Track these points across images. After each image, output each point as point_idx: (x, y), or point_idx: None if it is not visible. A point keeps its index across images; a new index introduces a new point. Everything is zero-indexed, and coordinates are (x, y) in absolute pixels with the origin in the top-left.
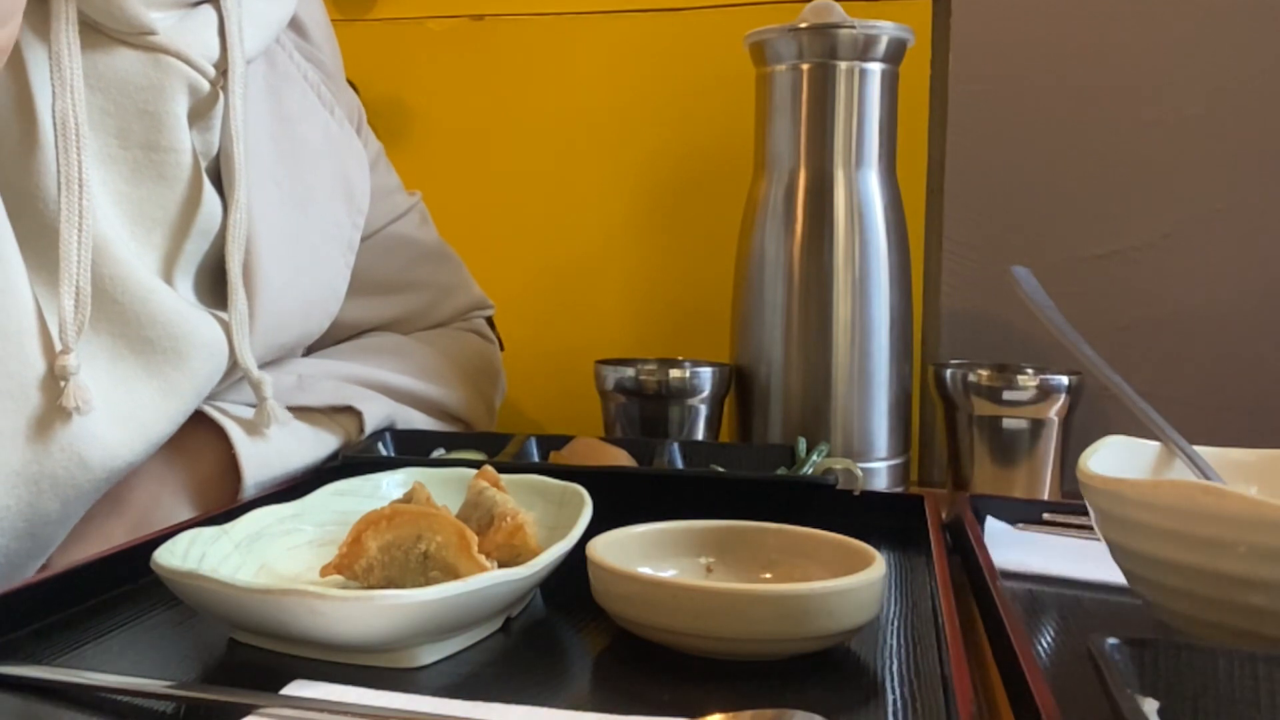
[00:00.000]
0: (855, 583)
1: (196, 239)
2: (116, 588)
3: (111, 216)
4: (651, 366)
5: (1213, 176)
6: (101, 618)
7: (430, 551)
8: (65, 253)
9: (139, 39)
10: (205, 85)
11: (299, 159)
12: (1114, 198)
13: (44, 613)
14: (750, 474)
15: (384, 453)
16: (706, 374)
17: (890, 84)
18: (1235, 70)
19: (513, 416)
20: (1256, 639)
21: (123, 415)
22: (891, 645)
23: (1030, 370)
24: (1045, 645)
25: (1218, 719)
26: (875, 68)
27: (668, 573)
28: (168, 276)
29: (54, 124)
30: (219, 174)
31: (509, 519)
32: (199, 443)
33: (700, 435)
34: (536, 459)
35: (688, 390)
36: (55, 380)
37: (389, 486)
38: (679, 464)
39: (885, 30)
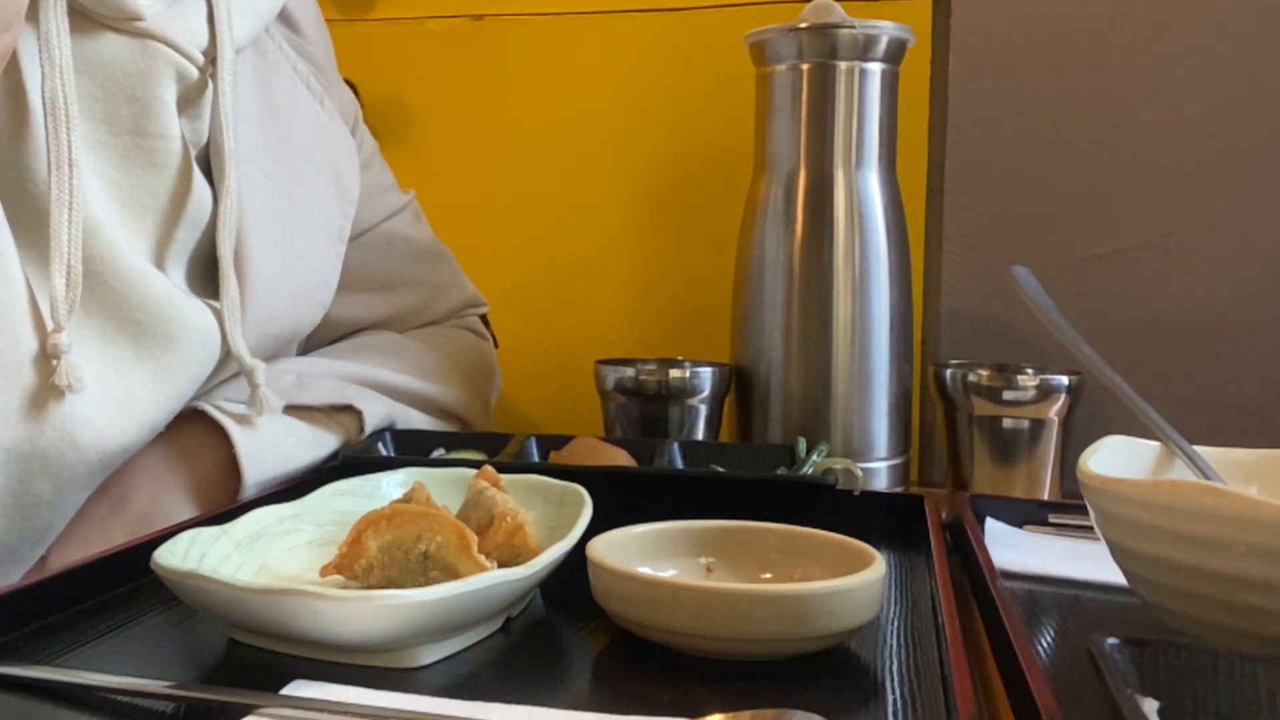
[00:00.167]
0: (855, 583)
1: (187, 227)
2: (116, 588)
3: (102, 201)
4: (651, 366)
5: (1213, 176)
6: (101, 618)
7: (430, 551)
8: (56, 232)
9: (127, 24)
10: (194, 72)
11: (288, 149)
12: (1114, 198)
13: (44, 613)
14: (750, 474)
15: (384, 453)
16: (706, 374)
17: (890, 84)
18: (1235, 70)
19: (513, 416)
20: (1256, 639)
21: (115, 397)
22: (891, 645)
23: (1030, 370)
24: (1045, 645)
25: (1217, 719)
26: (875, 68)
27: (668, 573)
28: (159, 264)
29: (43, 105)
30: (209, 164)
31: (509, 519)
32: (200, 442)
33: (700, 435)
34: (536, 459)
35: (688, 390)
36: (47, 359)
37: (389, 486)
38: (679, 464)
39: (885, 30)
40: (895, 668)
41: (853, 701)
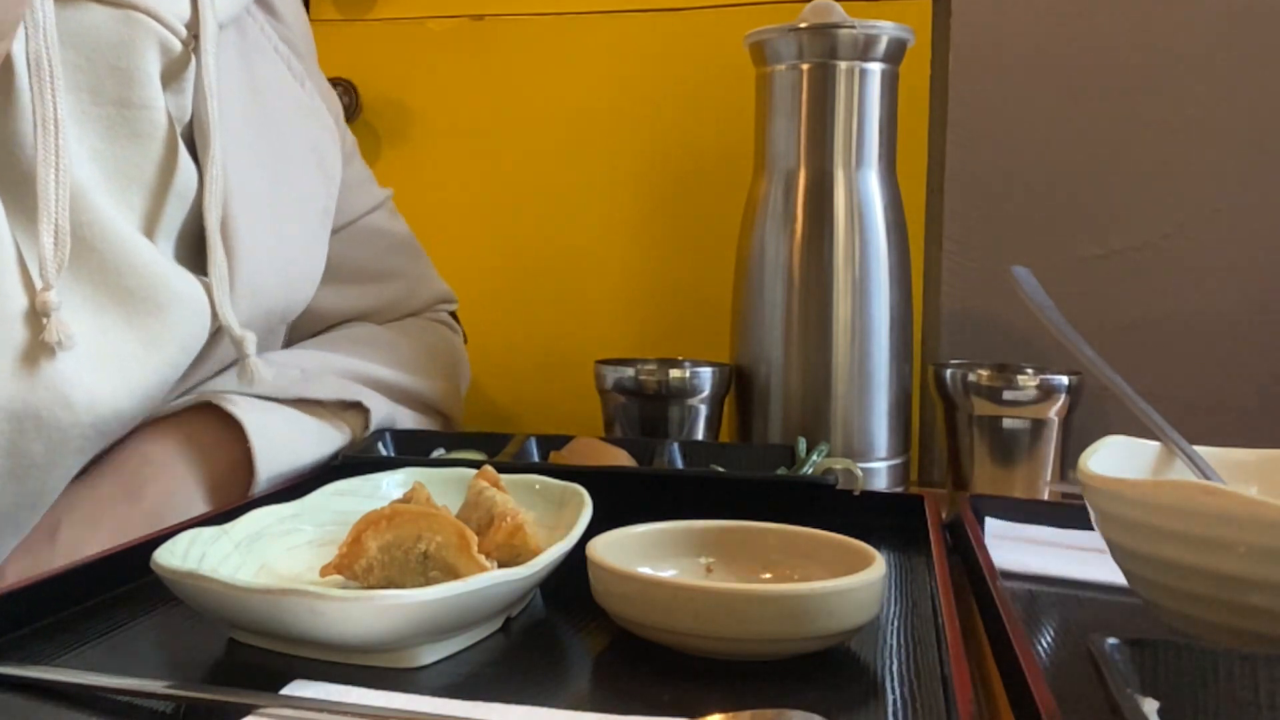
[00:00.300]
0: (855, 583)
1: (174, 202)
2: (116, 588)
3: (89, 169)
4: (651, 366)
5: (1213, 176)
6: (101, 618)
7: (430, 551)
8: (43, 192)
9: None
10: (177, 45)
11: (272, 126)
12: (1114, 198)
13: (44, 613)
14: (750, 474)
15: (384, 453)
16: (706, 374)
17: (890, 84)
18: (1235, 70)
19: (513, 416)
20: (1256, 639)
21: (105, 360)
22: (891, 645)
23: (1030, 370)
24: (1045, 645)
25: (1217, 719)
26: (875, 68)
27: (668, 573)
28: (149, 237)
29: (27, 66)
30: (194, 142)
31: (509, 519)
32: (214, 436)
33: (700, 435)
34: (536, 459)
35: (688, 390)
36: (37, 316)
37: (389, 486)
38: (679, 464)
39: (885, 30)
40: (895, 668)
41: (853, 701)
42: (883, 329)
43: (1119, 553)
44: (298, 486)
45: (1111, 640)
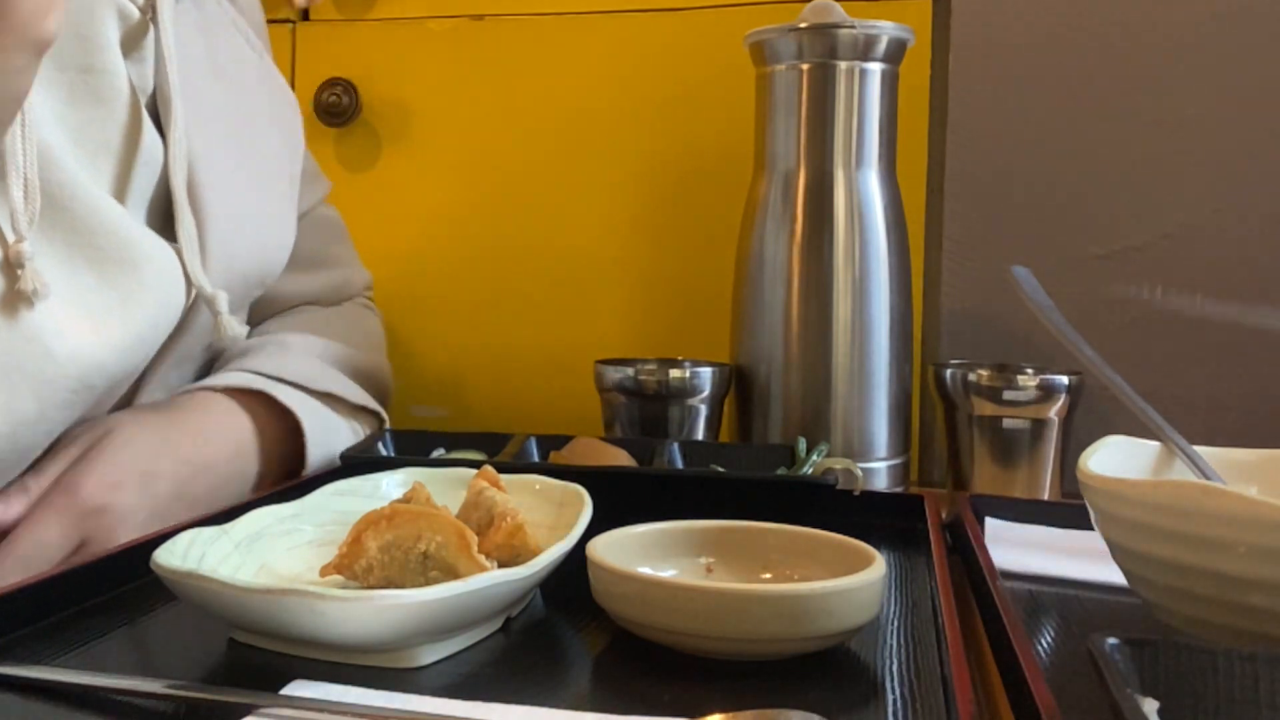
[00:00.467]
0: (855, 583)
1: (142, 169)
2: (116, 588)
3: (56, 133)
4: (651, 366)
5: (1213, 176)
6: (101, 618)
7: (430, 551)
8: (10, 149)
9: None
10: (134, 12)
11: (236, 96)
12: (1114, 198)
13: (44, 613)
14: (750, 474)
15: (384, 453)
16: (706, 374)
17: (890, 84)
18: (1235, 70)
19: (513, 416)
20: (1256, 639)
21: (83, 314)
22: (891, 645)
23: (1030, 370)
24: (1045, 645)
25: (1217, 719)
26: (875, 68)
27: (668, 573)
28: (119, 202)
29: None
30: (158, 113)
31: (509, 519)
32: (275, 429)
33: (700, 435)
34: (536, 459)
35: (688, 390)
36: (12, 268)
37: (389, 486)
38: (679, 464)
39: (885, 30)
40: (895, 668)
41: (853, 701)
42: (883, 329)
43: (1119, 553)
44: (298, 486)
45: (1111, 640)
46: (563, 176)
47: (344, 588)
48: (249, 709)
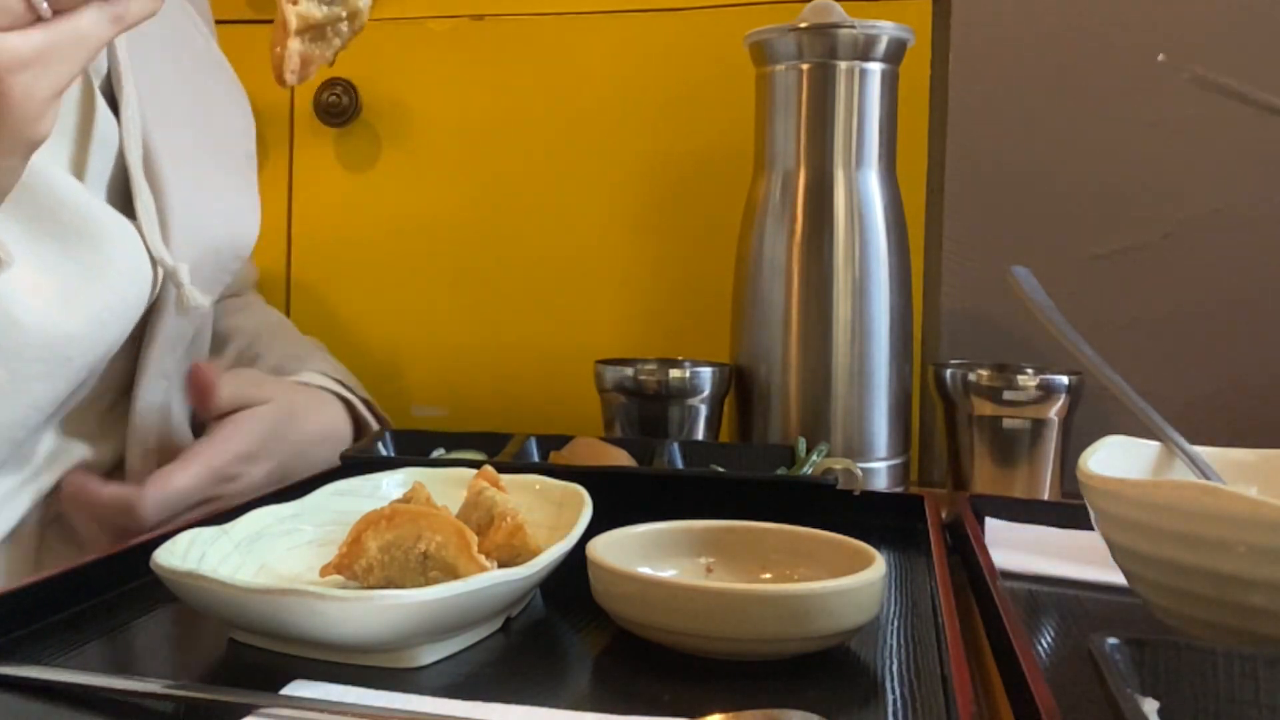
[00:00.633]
0: (855, 583)
1: (98, 148)
2: (116, 588)
3: None
4: (651, 366)
5: (1213, 176)
6: (101, 618)
7: (430, 551)
8: None
9: None
10: None
11: (189, 72)
12: (1114, 198)
13: (44, 613)
14: (750, 474)
15: (384, 453)
16: (706, 374)
17: (890, 84)
18: (1235, 70)
19: (513, 416)
20: (1256, 639)
21: (49, 286)
22: (891, 645)
23: (1030, 370)
24: (1045, 645)
25: (1217, 719)
26: (875, 68)
27: (668, 573)
28: (80, 179)
29: None
30: (113, 95)
31: (509, 519)
32: (348, 428)
33: (700, 435)
34: (536, 459)
35: (688, 390)
36: None
37: (389, 486)
38: (679, 464)
39: (885, 30)
40: (895, 668)
41: (853, 701)
42: (883, 329)
43: (1119, 553)
44: (298, 486)
45: (1111, 640)
46: (563, 176)
47: (344, 588)
48: (249, 709)
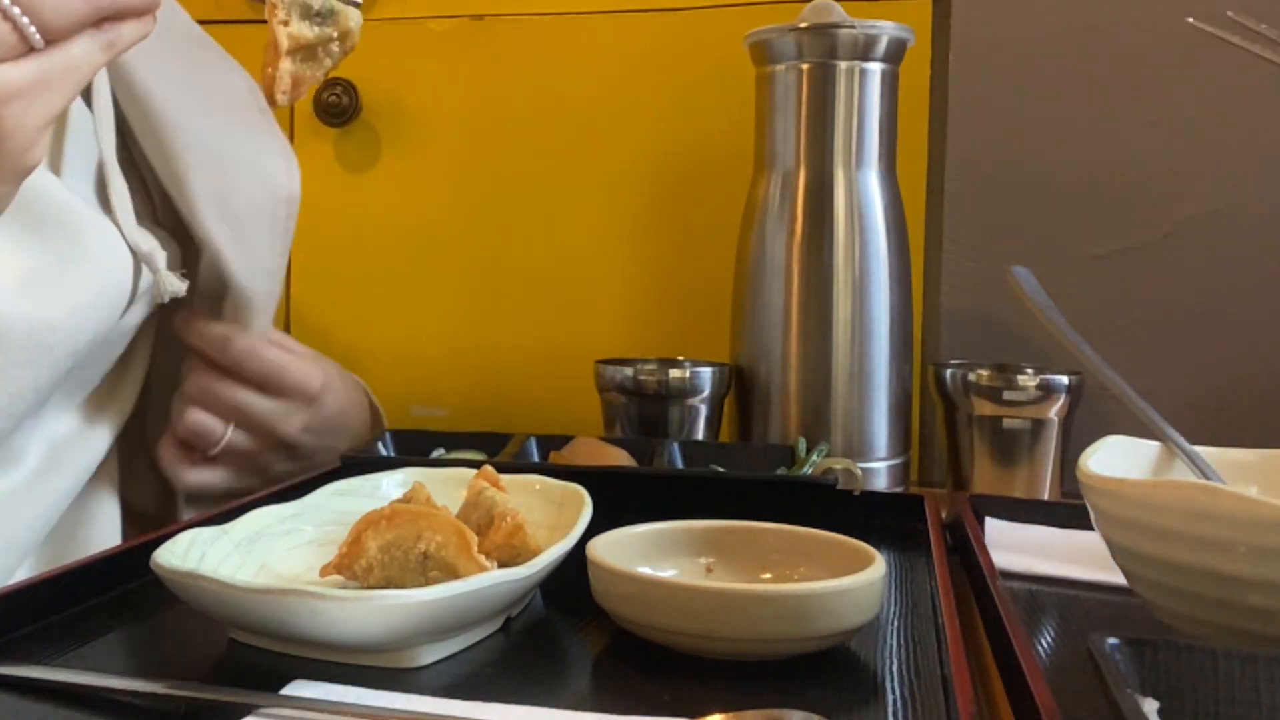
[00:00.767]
0: (855, 583)
1: (73, 140)
2: (116, 588)
3: None
4: (651, 366)
5: (1213, 176)
6: (101, 618)
7: (430, 551)
8: None
9: None
10: None
11: (181, 40)
12: (1114, 198)
13: (44, 613)
14: (750, 474)
15: (384, 453)
16: (706, 374)
17: (890, 84)
18: (1235, 70)
19: (513, 416)
20: (1256, 639)
21: (23, 273)
22: (891, 645)
23: (1030, 370)
24: (1045, 645)
25: (1217, 719)
26: (875, 68)
27: (668, 573)
28: (56, 174)
29: None
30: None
31: (509, 519)
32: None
33: (700, 435)
34: (536, 459)
35: (688, 390)
36: None
37: (389, 486)
38: (679, 464)
39: (885, 30)
40: (895, 668)
41: (853, 701)
42: (883, 329)
43: (1119, 553)
44: (298, 486)
45: (1111, 640)
46: (563, 176)
47: (344, 588)
48: (249, 709)
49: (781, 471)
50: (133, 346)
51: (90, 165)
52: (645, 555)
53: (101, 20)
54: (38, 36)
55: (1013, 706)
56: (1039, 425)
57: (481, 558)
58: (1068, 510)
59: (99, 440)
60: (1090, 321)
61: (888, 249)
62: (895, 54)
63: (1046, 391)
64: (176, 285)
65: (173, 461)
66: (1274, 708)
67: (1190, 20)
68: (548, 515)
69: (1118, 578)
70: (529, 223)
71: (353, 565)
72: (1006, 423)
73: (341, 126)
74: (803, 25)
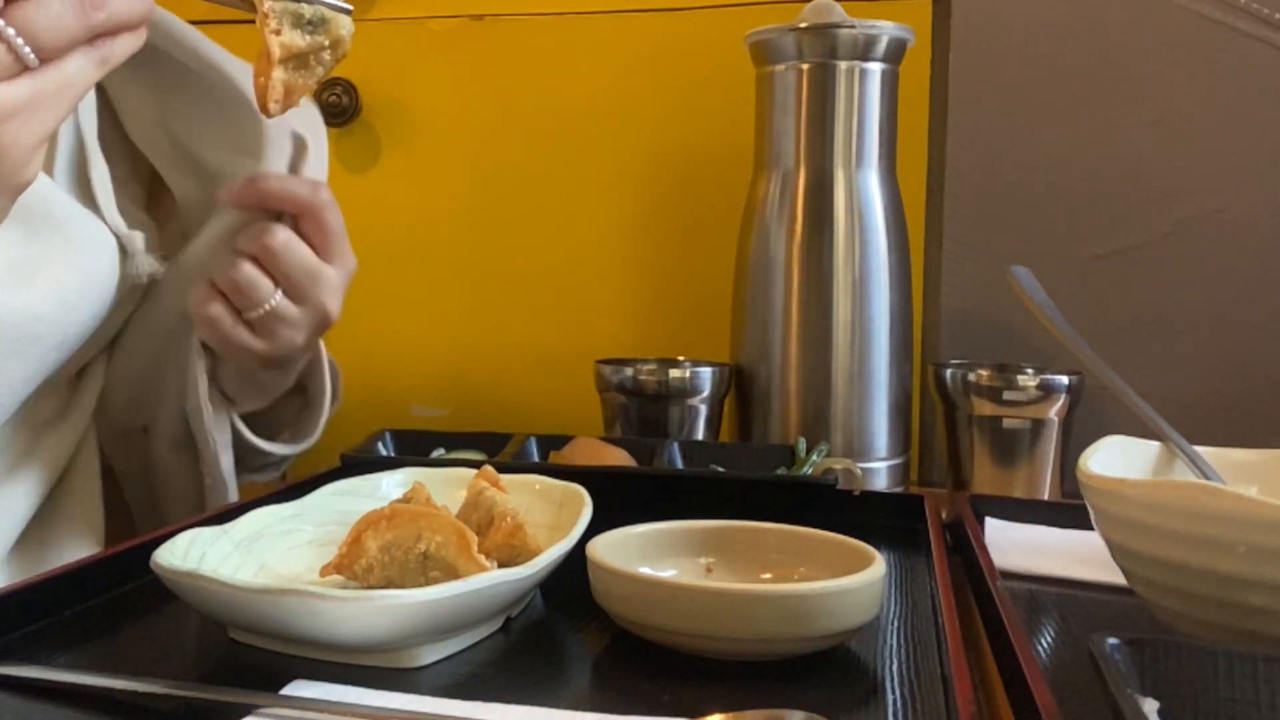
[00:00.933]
0: (855, 583)
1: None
2: (116, 588)
3: None
4: (651, 366)
5: (1213, 176)
6: (101, 618)
7: (430, 551)
8: None
9: None
10: None
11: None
12: (1114, 198)
13: (44, 613)
14: (750, 474)
15: (384, 453)
16: (706, 374)
17: (890, 84)
18: (1235, 70)
19: (513, 416)
20: (1256, 639)
21: (10, 266)
22: (891, 645)
23: (1030, 370)
24: (1045, 645)
25: (1217, 719)
26: (875, 68)
27: (668, 573)
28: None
29: None
30: None
31: (509, 519)
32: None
33: (700, 435)
34: (536, 459)
35: (688, 390)
36: None
37: (389, 486)
38: (679, 464)
39: (885, 30)
40: (895, 668)
41: (853, 701)
42: (883, 329)
43: (1119, 553)
44: (298, 486)
45: (1111, 640)
46: (563, 176)
47: (344, 588)
48: (249, 709)
49: (781, 471)
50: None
51: (69, 147)
52: (645, 555)
53: (95, 36)
54: (32, 56)
55: (1013, 706)
56: (1039, 425)
57: (481, 558)
58: (1068, 510)
59: (80, 421)
60: (1090, 321)
61: (888, 249)
62: (895, 54)
63: (1046, 391)
64: (153, 266)
65: (220, 315)
66: (1274, 708)
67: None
68: (548, 515)
69: (1118, 578)
70: (529, 223)
71: (353, 565)
72: (1006, 423)
73: (341, 126)
74: (803, 25)
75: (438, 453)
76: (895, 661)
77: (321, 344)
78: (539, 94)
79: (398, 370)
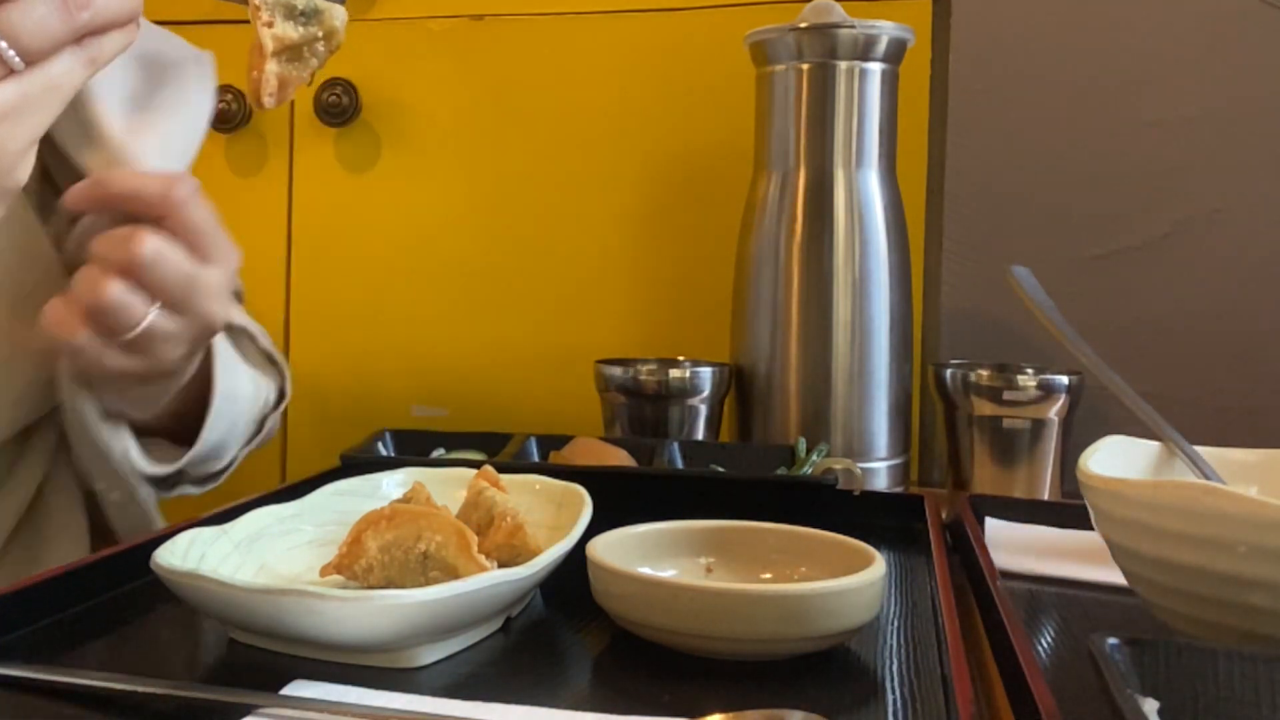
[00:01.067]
0: (855, 583)
1: None
2: (116, 588)
3: None
4: (651, 366)
5: (1213, 176)
6: (101, 618)
7: (430, 551)
8: None
9: None
10: None
11: None
12: (1114, 198)
13: (44, 613)
14: (750, 474)
15: (384, 453)
16: (706, 374)
17: (890, 84)
18: (1235, 70)
19: (513, 416)
20: (1256, 639)
21: None
22: (891, 645)
23: (1030, 370)
24: (1045, 645)
25: (1217, 719)
26: (875, 68)
27: (668, 573)
28: None
29: None
30: None
31: (509, 519)
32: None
33: (700, 435)
34: (536, 459)
35: (688, 390)
36: None
37: (389, 486)
38: (679, 464)
39: (885, 30)
40: (895, 668)
41: (853, 701)
42: (883, 329)
43: (1119, 553)
44: (298, 486)
45: (1111, 640)
46: (562, 176)
47: (344, 588)
48: (249, 709)
49: (781, 471)
50: None
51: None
52: (645, 555)
53: (82, 36)
54: (17, 59)
55: (1013, 706)
56: (1039, 425)
57: (481, 558)
58: (1068, 510)
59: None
60: (1090, 321)
61: (888, 249)
62: (895, 54)
63: (1046, 391)
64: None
65: (87, 342)
66: (1274, 708)
67: None
68: (548, 515)
69: (1118, 578)
70: (529, 223)
71: (353, 565)
72: (1006, 423)
73: (341, 126)
74: (802, 25)
75: (438, 453)
76: (895, 661)
77: (214, 342)
78: (539, 94)
79: (398, 370)
